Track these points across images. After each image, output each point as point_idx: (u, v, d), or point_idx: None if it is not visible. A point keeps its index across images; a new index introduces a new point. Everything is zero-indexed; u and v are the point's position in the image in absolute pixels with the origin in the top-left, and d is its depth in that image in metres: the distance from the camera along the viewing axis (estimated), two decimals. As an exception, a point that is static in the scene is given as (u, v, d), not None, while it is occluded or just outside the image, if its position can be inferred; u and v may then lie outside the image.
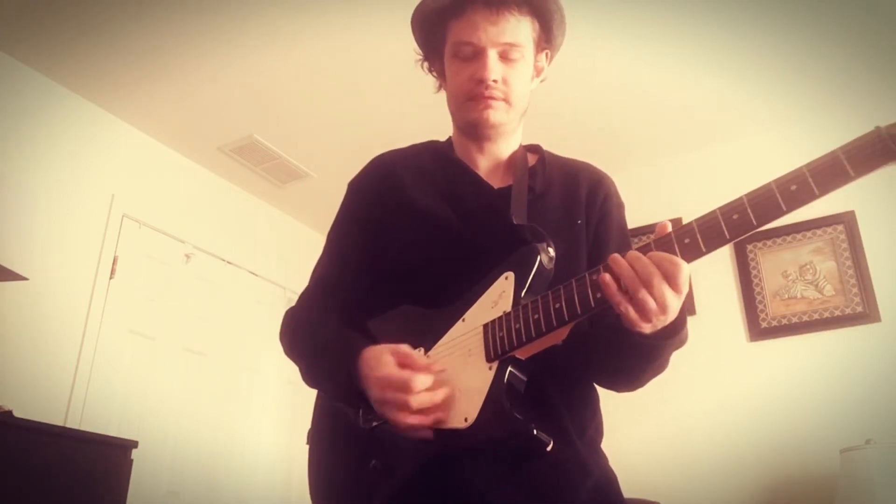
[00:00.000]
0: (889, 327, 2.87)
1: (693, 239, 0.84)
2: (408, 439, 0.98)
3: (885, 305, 2.89)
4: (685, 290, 0.85)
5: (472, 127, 1.20)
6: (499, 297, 1.00)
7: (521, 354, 0.96)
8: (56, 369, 2.85)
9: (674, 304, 0.86)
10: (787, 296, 3.12)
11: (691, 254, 0.84)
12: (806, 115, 3.22)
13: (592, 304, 0.89)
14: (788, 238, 3.18)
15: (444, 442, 0.96)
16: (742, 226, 0.81)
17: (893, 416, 2.68)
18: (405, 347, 0.98)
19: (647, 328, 0.88)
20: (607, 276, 0.87)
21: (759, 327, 3.12)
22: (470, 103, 1.17)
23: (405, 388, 0.93)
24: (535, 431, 0.89)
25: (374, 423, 1.04)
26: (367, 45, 2.86)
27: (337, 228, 1.28)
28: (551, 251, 1.02)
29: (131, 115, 3.34)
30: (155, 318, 3.33)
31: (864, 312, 2.92)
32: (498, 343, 0.96)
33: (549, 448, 0.90)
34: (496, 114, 1.16)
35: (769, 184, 0.80)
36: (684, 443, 3.07)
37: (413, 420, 0.94)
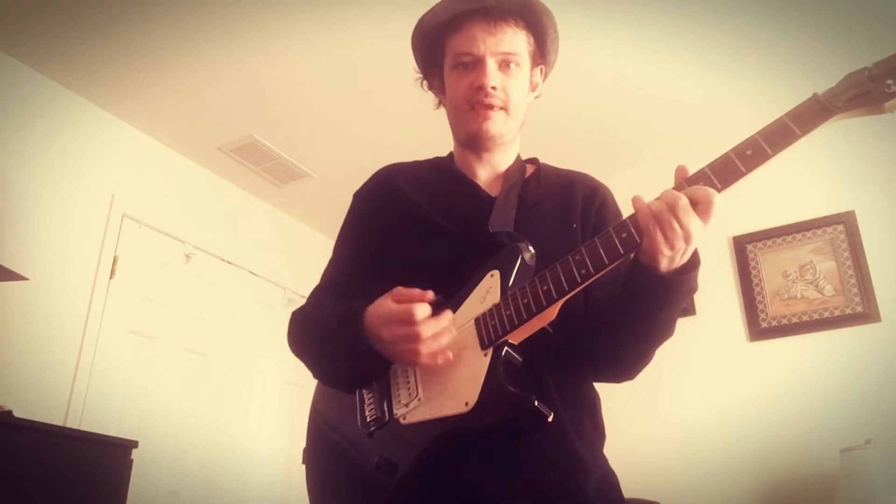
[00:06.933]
0: (889, 327, 2.86)
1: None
2: (409, 434, 1.01)
3: (885, 305, 2.89)
4: (708, 219, 0.90)
5: (472, 139, 1.23)
6: (486, 293, 1.04)
7: (515, 339, 0.99)
8: (56, 369, 2.85)
9: (697, 232, 0.90)
10: (787, 296, 3.12)
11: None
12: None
13: (578, 280, 0.95)
14: (788, 238, 3.18)
15: (446, 431, 0.98)
16: None
17: (893, 416, 2.68)
18: (400, 287, 1.01)
19: (665, 261, 0.92)
20: (639, 199, 0.93)
21: (759, 327, 3.13)
22: (470, 113, 1.20)
23: (408, 319, 0.96)
24: (535, 403, 0.92)
25: (374, 427, 1.07)
26: (367, 44, 2.86)
27: (342, 237, 1.31)
28: (531, 249, 1.06)
29: (131, 115, 3.34)
30: (155, 318, 3.33)
31: (864, 312, 2.92)
32: (491, 331, 1.00)
33: (549, 419, 0.92)
34: (495, 125, 1.19)
35: (727, 153, 0.91)
36: (684, 442, 3.08)
37: (426, 348, 0.97)
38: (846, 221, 3.07)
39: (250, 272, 3.90)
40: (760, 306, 3.15)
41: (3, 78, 2.89)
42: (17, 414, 2.28)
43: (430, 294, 1.01)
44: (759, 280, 3.20)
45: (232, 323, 3.73)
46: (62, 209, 3.01)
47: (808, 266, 3.12)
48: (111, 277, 3.16)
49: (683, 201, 0.89)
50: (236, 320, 3.75)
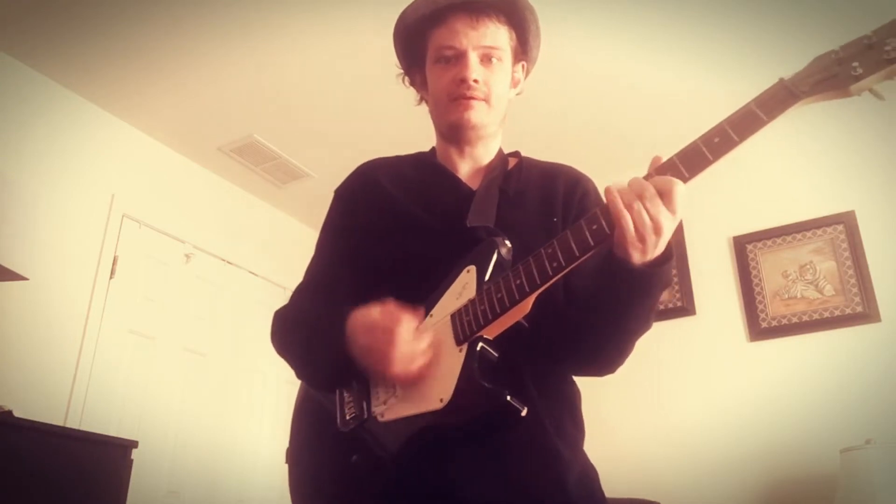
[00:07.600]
0: (889, 327, 2.86)
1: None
2: (388, 433, 1.02)
3: (885, 305, 2.89)
4: (678, 212, 0.90)
5: (454, 129, 1.23)
6: (462, 288, 1.05)
7: (489, 334, 1.00)
8: (56, 369, 2.85)
9: (667, 223, 0.90)
10: (787, 296, 3.12)
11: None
12: (806, 111, 3.22)
13: (550, 273, 0.94)
14: (788, 238, 3.18)
15: (423, 427, 0.99)
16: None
17: (893, 416, 2.68)
18: (392, 303, 1.02)
19: (637, 254, 0.92)
20: (613, 189, 0.92)
21: (759, 327, 3.12)
22: (452, 104, 1.20)
23: (389, 335, 0.98)
24: (508, 398, 0.92)
25: (353, 425, 1.07)
26: (367, 44, 2.85)
27: (324, 234, 1.31)
28: (508, 243, 1.06)
29: (131, 115, 3.34)
30: (155, 318, 3.33)
31: (864, 312, 2.92)
32: (465, 326, 1.00)
33: (523, 414, 0.92)
34: (476, 114, 1.20)
35: (695, 141, 0.90)
36: (684, 443, 3.07)
37: (397, 369, 0.98)
38: (846, 221, 3.07)
39: (250, 272, 3.90)
40: (760, 306, 3.15)
41: (3, 78, 2.89)
42: (17, 414, 2.28)
43: (421, 312, 1.02)
44: (759, 280, 3.19)
45: (232, 323, 3.73)
46: (62, 209, 3.01)
47: (808, 266, 3.12)
48: (111, 277, 3.16)
49: (650, 190, 0.89)
50: (236, 320, 3.75)
